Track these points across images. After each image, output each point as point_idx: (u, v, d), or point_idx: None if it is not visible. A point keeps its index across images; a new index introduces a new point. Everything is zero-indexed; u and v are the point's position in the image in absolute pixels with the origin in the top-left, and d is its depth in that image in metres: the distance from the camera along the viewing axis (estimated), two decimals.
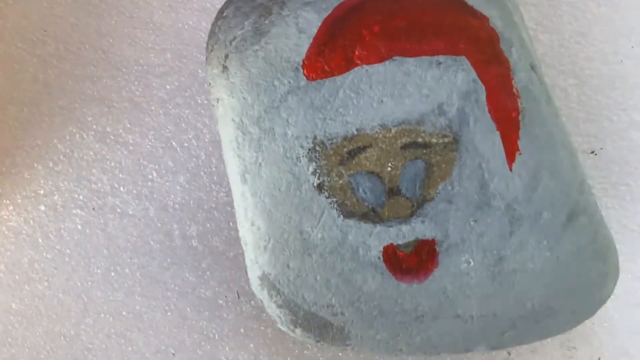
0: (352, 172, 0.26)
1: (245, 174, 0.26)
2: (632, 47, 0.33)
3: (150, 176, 0.33)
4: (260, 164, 0.26)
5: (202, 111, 0.33)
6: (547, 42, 0.33)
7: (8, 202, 0.33)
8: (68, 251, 0.33)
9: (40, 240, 0.33)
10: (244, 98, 0.25)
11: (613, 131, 0.33)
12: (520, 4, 0.29)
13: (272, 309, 0.27)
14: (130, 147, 0.33)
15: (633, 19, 0.34)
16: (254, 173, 0.26)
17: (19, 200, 0.33)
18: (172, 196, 0.33)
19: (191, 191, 0.33)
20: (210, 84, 0.26)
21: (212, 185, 0.33)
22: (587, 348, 0.31)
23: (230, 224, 0.33)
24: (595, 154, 0.33)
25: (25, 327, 0.32)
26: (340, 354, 0.31)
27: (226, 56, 0.26)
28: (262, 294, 0.27)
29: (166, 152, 0.33)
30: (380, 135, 0.26)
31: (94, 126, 0.34)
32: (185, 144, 0.33)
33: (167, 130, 0.33)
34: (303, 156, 0.25)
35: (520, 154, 0.26)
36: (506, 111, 0.26)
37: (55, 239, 0.33)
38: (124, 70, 0.34)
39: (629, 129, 0.33)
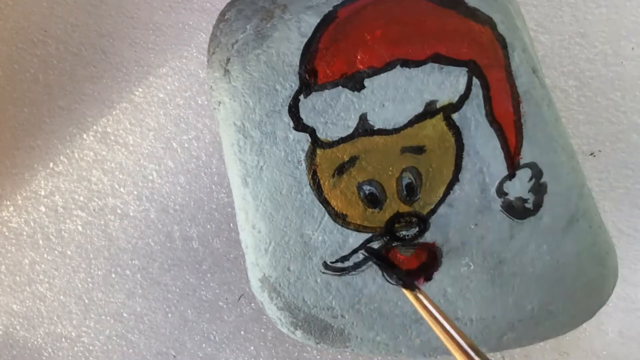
0: (353, 177, 0.26)
1: (247, 177, 0.26)
2: (633, 48, 0.33)
3: (150, 177, 0.33)
4: (261, 167, 0.26)
5: (203, 112, 0.33)
6: (547, 43, 0.33)
7: (9, 203, 0.33)
8: (69, 252, 0.33)
9: (40, 242, 0.33)
10: (245, 102, 0.25)
11: (612, 133, 0.33)
12: (521, 5, 0.29)
13: (273, 311, 0.27)
14: (131, 148, 0.33)
15: (633, 20, 0.34)
16: (255, 176, 0.26)
17: (20, 201, 0.33)
18: (173, 197, 0.33)
19: (192, 192, 0.33)
20: (211, 87, 0.26)
21: (213, 186, 0.33)
22: (579, 353, 0.31)
23: (231, 225, 0.33)
24: (594, 156, 0.33)
25: (26, 329, 0.32)
26: (339, 356, 0.32)
27: (228, 60, 0.26)
28: (262, 296, 0.27)
29: (166, 152, 0.33)
30: (381, 140, 0.25)
31: (94, 127, 0.33)
32: (186, 145, 0.33)
33: (168, 131, 0.33)
34: (304, 160, 0.25)
35: (521, 158, 0.26)
36: (508, 115, 0.25)
37: (56, 240, 0.33)
38: (124, 70, 0.34)
39: (628, 131, 0.33)
